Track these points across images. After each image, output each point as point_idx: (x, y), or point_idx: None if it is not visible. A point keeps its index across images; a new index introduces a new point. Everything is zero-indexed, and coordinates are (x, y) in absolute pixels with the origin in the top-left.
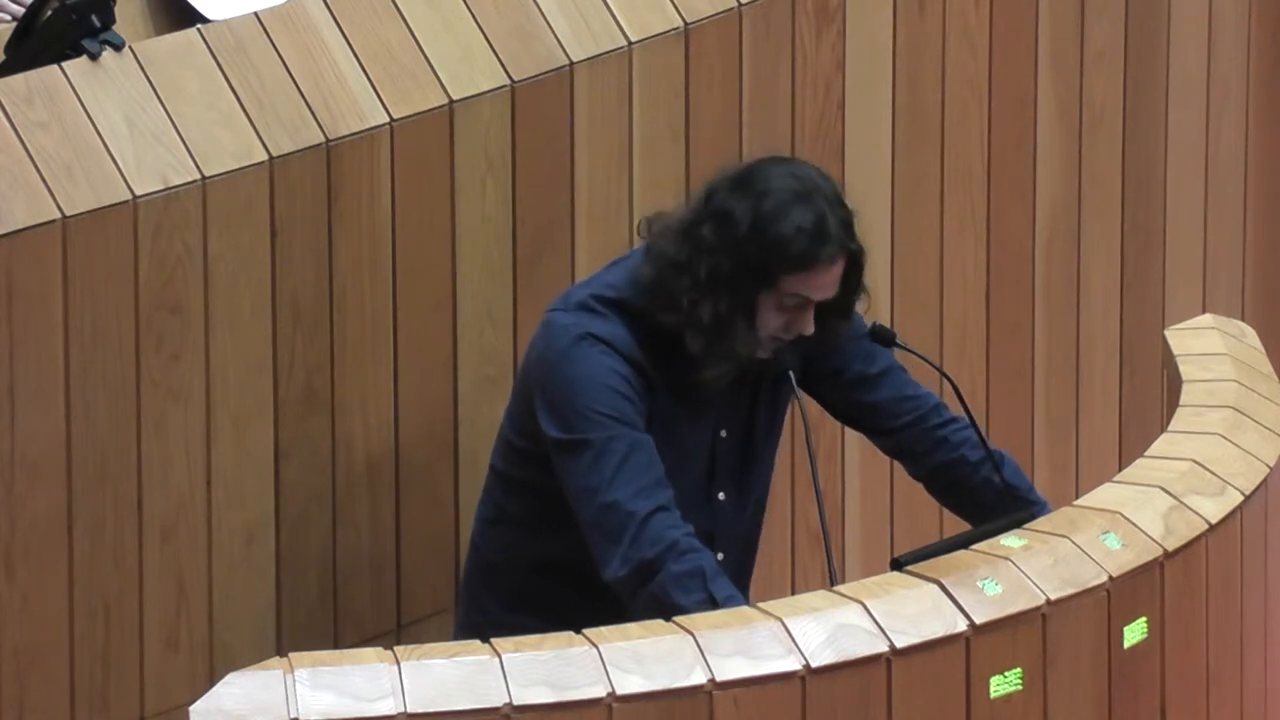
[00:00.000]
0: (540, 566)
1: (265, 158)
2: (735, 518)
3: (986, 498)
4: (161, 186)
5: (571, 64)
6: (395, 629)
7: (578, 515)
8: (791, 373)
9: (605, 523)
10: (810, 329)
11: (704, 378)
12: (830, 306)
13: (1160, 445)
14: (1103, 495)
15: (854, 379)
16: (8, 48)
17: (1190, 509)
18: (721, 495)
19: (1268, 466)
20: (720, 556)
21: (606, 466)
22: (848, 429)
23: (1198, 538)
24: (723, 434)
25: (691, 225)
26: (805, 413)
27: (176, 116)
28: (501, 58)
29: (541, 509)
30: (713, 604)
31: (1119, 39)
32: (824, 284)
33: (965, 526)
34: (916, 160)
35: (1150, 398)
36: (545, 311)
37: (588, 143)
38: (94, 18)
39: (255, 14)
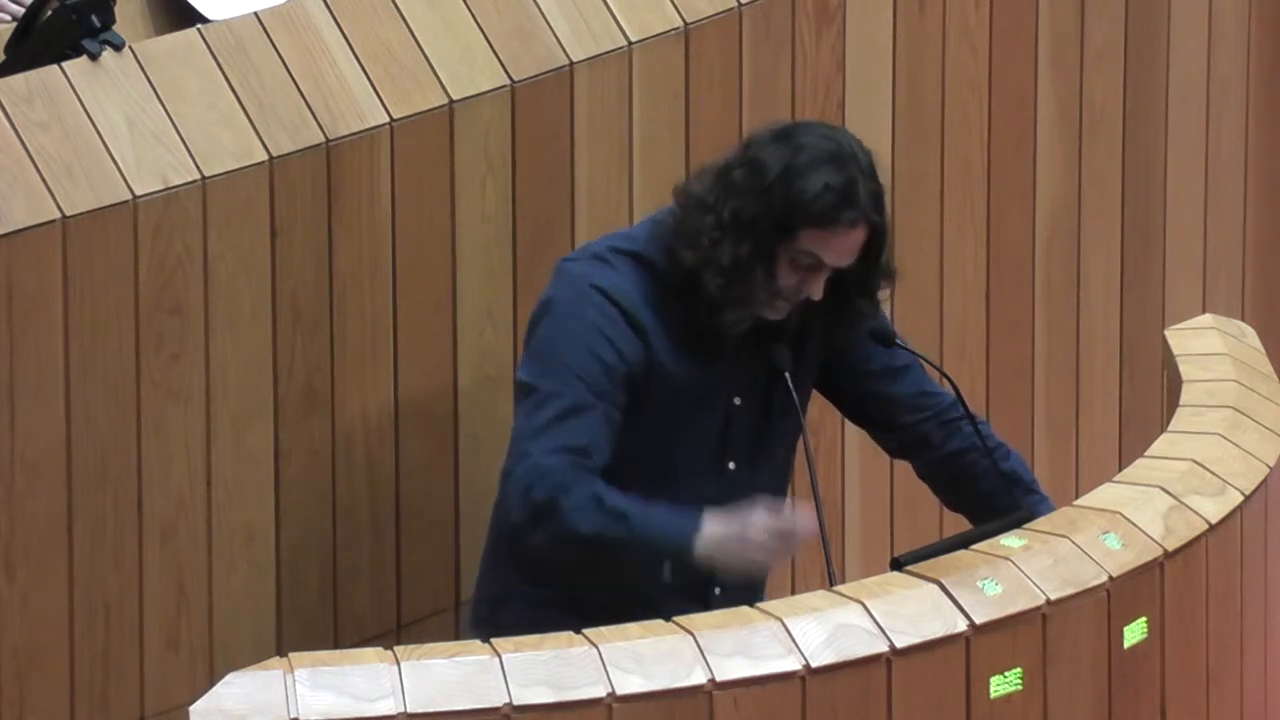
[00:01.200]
0: None
1: (265, 158)
2: (748, 487)
3: (991, 486)
4: (161, 186)
5: (571, 64)
6: (395, 629)
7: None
8: (788, 375)
9: (515, 472)
10: (819, 294)
11: (721, 322)
12: (851, 284)
13: (1160, 445)
14: (1103, 495)
15: (880, 369)
16: (8, 48)
17: (1190, 509)
18: (732, 465)
19: (1268, 466)
20: None
21: (541, 418)
22: (848, 429)
23: (1198, 538)
24: (737, 401)
25: (725, 169)
26: (802, 416)
27: (176, 116)
28: (501, 58)
29: None
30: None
31: (1119, 39)
32: (841, 248)
33: (966, 526)
34: (916, 160)
35: (1150, 398)
36: (558, 260)
37: (588, 143)
38: (94, 18)
39: (255, 14)
